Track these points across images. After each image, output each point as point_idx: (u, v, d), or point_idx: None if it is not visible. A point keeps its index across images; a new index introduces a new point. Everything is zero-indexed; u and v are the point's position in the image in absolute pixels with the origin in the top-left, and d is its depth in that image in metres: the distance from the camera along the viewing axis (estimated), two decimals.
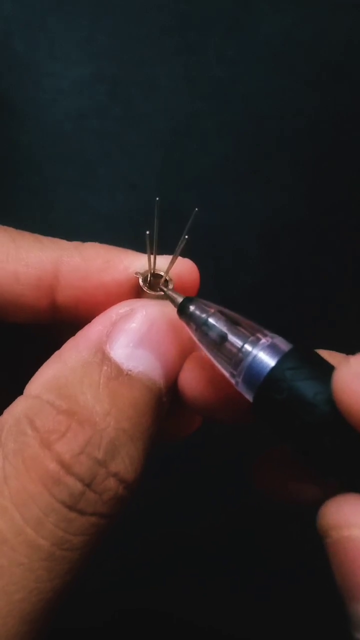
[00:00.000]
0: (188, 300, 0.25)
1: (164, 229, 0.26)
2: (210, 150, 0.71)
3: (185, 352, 0.26)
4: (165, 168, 0.71)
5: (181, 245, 0.27)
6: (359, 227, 0.71)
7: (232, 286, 0.69)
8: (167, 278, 0.28)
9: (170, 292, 0.26)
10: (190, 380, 0.26)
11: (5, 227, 0.28)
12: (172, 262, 0.27)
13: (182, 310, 0.25)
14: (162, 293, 0.27)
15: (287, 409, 0.22)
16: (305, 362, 0.22)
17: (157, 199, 0.26)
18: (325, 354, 0.24)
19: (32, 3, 0.71)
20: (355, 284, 0.70)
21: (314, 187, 0.72)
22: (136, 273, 0.27)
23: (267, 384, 0.22)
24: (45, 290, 0.27)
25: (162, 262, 0.27)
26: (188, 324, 0.25)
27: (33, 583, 0.21)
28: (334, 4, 0.73)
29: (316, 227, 0.71)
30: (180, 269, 0.28)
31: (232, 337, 0.23)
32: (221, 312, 0.24)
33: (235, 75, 0.72)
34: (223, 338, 0.24)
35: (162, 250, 0.27)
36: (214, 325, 0.24)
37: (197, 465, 0.64)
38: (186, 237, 0.26)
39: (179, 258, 0.28)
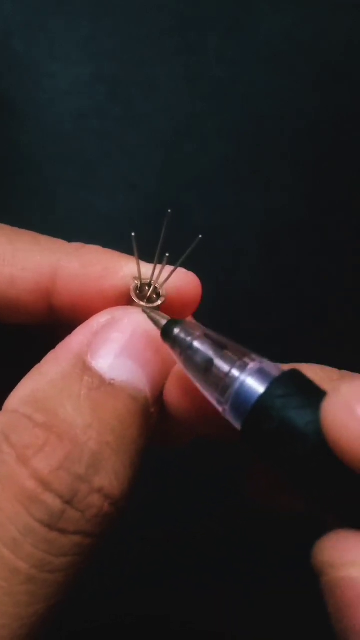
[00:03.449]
0: (172, 323, 0.23)
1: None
2: (210, 150, 0.71)
3: (172, 362, 0.25)
4: (165, 168, 0.71)
5: (182, 259, 0.25)
6: (359, 227, 0.71)
7: (232, 286, 0.69)
8: (161, 292, 0.26)
9: (153, 314, 0.25)
10: (176, 394, 0.24)
11: (2, 225, 0.27)
12: (169, 275, 0.26)
13: (165, 333, 0.24)
14: (152, 305, 0.26)
15: (277, 439, 0.20)
16: (296, 388, 0.21)
17: (169, 211, 0.24)
18: (318, 370, 0.23)
19: (32, 3, 0.71)
20: (355, 284, 0.70)
21: (314, 187, 0.71)
22: (135, 278, 0.26)
23: (256, 413, 0.20)
24: (42, 294, 0.26)
25: (165, 269, 0.26)
26: (173, 347, 0.23)
27: (13, 608, 0.20)
28: (334, 4, 0.73)
29: (316, 227, 0.71)
30: (181, 282, 0.27)
31: (218, 362, 0.22)
32: (207, 335, 0.23)
33: (235, 75, 0.72)
34: (209, 363, 0.22)
35: (154, 253, 0.26)
36: (198, 349, 0.22)
37: (194, 468, 0.64)
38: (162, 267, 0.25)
39: (182, 270, 0.26)
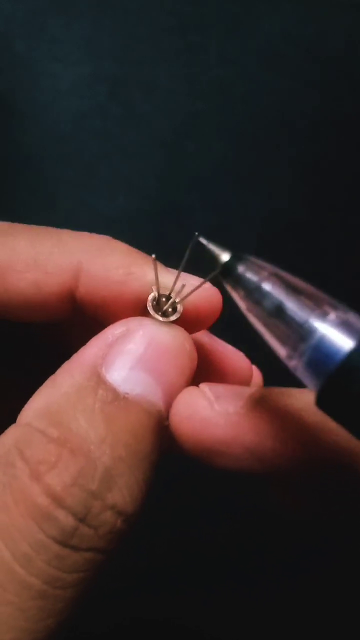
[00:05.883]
0: (236, 259, 0.20)
1: (162, 229, 0.25)
2: (210, 150, 0.71)
3: (185, 374, 0.24)
4: (165, 168, 0.71)
5: (182, 264, 0.24)
6: (359, 227, 0.71)
7: None
8: (178, 307, 0.25)
9: (211, 246, 0.22)
10: (184, 418, 0.23)
11: (23, 226, 0.27)
12: (190, 291, 0.25)
13: (227, 271, 0.20)
14: (167, 319, 0.25)
15: None
16: None
17: (196, 233, 0.23)
18: None
19: (32, 3, 0.71)
20: (355, 284, 0.70)
21: (314, 187, 0.71)
22: (154, 288, 0.25)
23: (341, 372, 0.18)
24: (67, 294, 0.26)
25: (187, 281, 0.25)
26: (234, 288, 0.20)
27: (24, 623, 0.20)
28: (334, 4, 0.73)
29: (316, 227, 0.71)
30: (201, 300, 0.25)
31: (292, 309, 0.19)
32: (278, 276, 0.20)
33: (235, 75, 0.72)
34: (280, 309, 0.19)
35: (160, 253, 0.25)
36: (268, 292, 0.19)
37: (196, 475, 0.64)
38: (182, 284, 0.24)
39: (206, 285, 0.25)
